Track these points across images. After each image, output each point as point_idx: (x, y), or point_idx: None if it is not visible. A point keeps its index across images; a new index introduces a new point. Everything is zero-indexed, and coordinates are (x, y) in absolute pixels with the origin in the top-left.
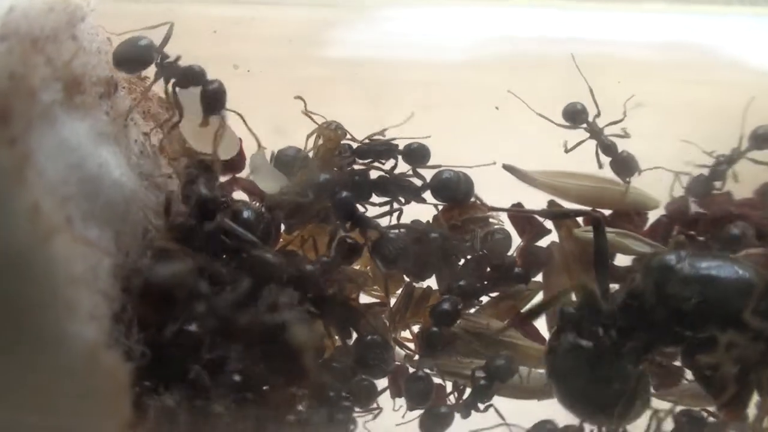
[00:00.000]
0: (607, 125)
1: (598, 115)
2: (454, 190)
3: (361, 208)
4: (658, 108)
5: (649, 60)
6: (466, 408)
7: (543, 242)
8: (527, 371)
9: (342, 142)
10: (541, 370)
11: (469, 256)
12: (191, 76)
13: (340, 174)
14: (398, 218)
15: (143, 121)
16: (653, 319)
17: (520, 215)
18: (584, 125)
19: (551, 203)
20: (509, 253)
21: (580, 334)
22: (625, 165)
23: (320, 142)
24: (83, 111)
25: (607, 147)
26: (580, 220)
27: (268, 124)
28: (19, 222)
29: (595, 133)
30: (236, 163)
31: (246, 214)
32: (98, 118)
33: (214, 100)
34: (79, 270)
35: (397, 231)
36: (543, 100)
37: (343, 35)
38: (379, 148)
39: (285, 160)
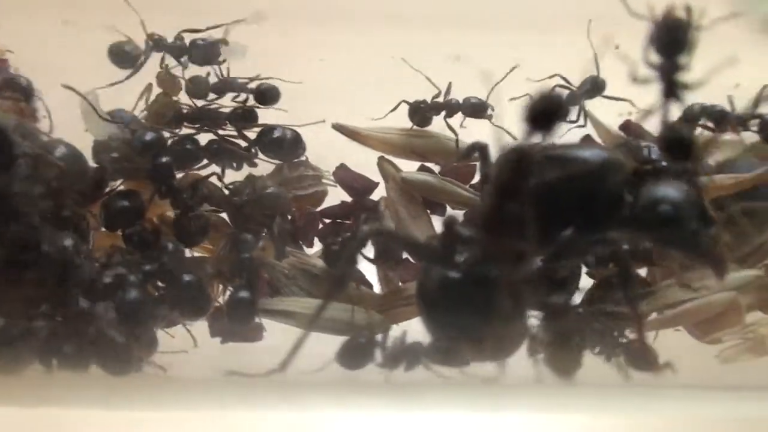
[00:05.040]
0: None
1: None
2: (282, 148)
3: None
4: None
5: None
6: None
7: None
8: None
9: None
10: None
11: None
12: None
13: (167, 137)
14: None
15: None
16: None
17: (346, 176)
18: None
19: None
20: None
21: (448, 266)
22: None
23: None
24: None
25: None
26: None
27: None
28: None
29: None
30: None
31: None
32: None
33: None
34: None
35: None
36: None
37: None
38: (209, 114)
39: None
